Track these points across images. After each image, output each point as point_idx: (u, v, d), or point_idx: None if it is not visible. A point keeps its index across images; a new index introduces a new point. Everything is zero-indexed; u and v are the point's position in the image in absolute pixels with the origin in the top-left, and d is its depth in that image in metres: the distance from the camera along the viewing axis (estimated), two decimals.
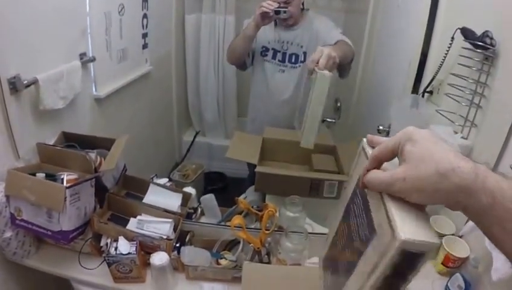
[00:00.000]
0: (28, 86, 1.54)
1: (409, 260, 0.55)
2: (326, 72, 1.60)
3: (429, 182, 0.55)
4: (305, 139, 1.74)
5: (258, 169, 1.80)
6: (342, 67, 2.08)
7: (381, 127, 2.06)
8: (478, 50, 1.47)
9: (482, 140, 1.52)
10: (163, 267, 1.51)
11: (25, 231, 1.56)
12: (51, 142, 1.71)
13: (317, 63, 1.63)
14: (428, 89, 1.89)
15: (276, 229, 1.66)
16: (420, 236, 0.53)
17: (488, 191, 0.54)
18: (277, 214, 1.67)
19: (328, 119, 2.66)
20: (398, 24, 2.36)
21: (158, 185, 1.81)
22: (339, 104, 2.79)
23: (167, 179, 1.94)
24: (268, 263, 1.63)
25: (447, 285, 1.55)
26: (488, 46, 1.42)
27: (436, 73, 1.75)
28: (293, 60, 2.27)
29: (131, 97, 2.56)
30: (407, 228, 0.54)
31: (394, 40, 2.40)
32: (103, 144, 1.74)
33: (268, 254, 1.65)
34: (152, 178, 1.91)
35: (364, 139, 0.72)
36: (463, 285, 1.49)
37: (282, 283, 1.11)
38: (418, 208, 0.59)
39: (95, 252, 1.65)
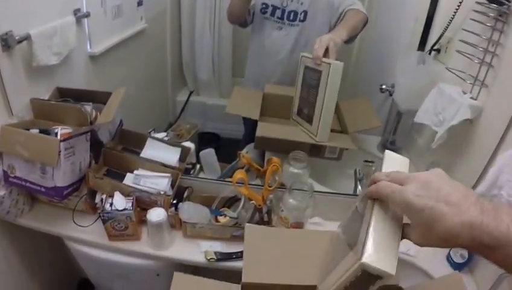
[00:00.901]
0: (20, 41, 1.45)
1: (368, 279, 0.67)
2: (337, 62, 1.56)
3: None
4: (320, 134, 1.68)
5: (258, 134, 1.70)
6: (351, 38, 1.95)
7: (384, 86, 2.00)
8: (492, 5, 1.38)
9: (493, 101, 1.43)
10: (160, 224, 1.44)
11: (18, 188, 1.51)
12: (46, 98, 1.64)
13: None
14: (435, 47, 1.80)
15: (278, 186, 1.58)
16: (381, 265, 0.64)
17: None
18: (281, 169, 1.58)
19: None
20: None
21: (156, 139, 1.73)
22: None
23: (165, 134, 1.87)
24: (269, 222, 1.57)
25: (449, 253, 1.53)
26: (504, 2, 1.33)
27: (445, 29, 1.67)
28: (291, 18, 2.13)
29: (126, 55, 2.47)
30: (374, 255, 0.65)
31: None
32: (99, 98, 1.66)
33: (268, 211, 1.57)
34: (150, 132, 1.83)
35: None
36: (466, 254, 1.47)
37: (287, 247, 1.04)
38: (397, 229, 0.71)
39: (90, 210, 1.60)
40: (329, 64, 1.55)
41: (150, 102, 3.00)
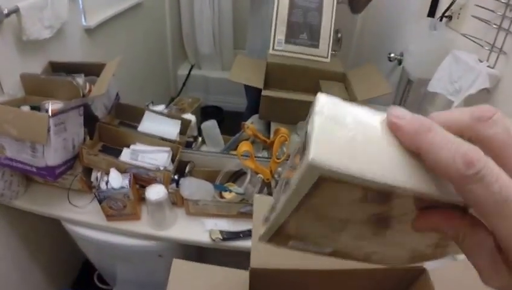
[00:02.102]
0: (8, 15, 1.34)
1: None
2: None
3: None
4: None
5: (264, 93, 1.58)
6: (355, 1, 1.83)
7: (392, 55, 1.90)
8: None
9: None
10: (160, 202, 1.33)
11: (10, 169, 1.41)
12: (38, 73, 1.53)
13: None
14: (447, 14, 1.67)
15: (286, 158, 1.43)
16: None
17: None
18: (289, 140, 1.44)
19: None
20: None
21: (154, 111, 1.60)
22: (339, 35, 2.55)
23: (164, 106, 1.74)
24: None
25: None
26: None
27: None
28: None
29: (124, 29, 2.39)
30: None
31: None
32: (94, 70, 1.54)
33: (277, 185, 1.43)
34: (147, 105, 1.70)
35: None
36: None
37: None
38: None
39: (86, 189, 1.50)
40: None
41: (150, 76, 2.93)
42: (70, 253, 2.01)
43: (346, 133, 0.29)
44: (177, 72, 3.33)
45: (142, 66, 2.71)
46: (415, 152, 0.29)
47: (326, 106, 0.29)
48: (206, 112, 3.00)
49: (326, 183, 0.28)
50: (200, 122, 1.72)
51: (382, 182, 0.28)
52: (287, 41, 1.69)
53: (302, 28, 1.63)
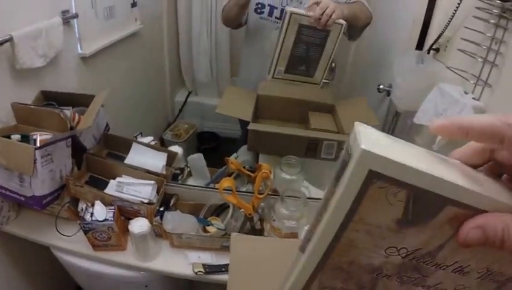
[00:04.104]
0: (1, 43, 1.34)
1: None
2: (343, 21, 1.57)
3: None
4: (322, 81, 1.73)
5: (250, 126, 1.58)
6: (352, 29, 1.84)
7: (381, 86, 1.89)
8: (496, 1, 1.26)
9: (496, 102, 1.30)
10: (143, 236, 1.31)
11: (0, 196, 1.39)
12: (30, 102, 1.52)
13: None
14: (434, 46, 1.67)
15: (270, 193, 1.43)
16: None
17: None
18: (271, 176, 1.44)
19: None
20: None
21: (141, 143, 1.59)
22: (333, 65, 2.55)
23: (152, 138, 1.72)
24: (261, 230, 1.41)
25: None
26: None
27: (445, 28, 1.53)
28: None
29: (121, 56, 2.38)
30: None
31: None
32: (84, 101, 1.54)
33: (261, 220, 1.42)
34: (136, 136, 1.69)
35: None
36: None
37: (279, 260, 0.89)
38: None
39: (74, 217, 1.45)
40: (342, 24, 1.56)
41: (148, 103, 2.94)
42: (63, 280, 1.97)
43: (388, 139, 0.32)
44: (174, 98, 3.35)
45: (140, 93, 2.72)
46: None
47: (365, 130, 0.31)
48: (202, 138, 3.03)
49: (372, 186, 0.29)
50: (196, 147, 1.71)
51: (432, 175, 0.29)
52: (286, 71, 1.71)
53: (302, 61, 1.66)
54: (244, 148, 1.75)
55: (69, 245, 1.43)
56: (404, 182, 0.28)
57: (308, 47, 1.63)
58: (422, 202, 0.30)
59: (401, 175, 0.28)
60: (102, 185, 1.44)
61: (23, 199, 1.31)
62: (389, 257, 0.34)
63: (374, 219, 0.31)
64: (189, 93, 3.38)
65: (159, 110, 3.23)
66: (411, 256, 0.34)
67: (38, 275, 1.87)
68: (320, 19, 1.52)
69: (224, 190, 1.32)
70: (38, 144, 1.26)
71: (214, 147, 3.07)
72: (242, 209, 1.37)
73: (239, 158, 1.72)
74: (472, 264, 0.35)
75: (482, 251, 0.33)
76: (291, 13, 1.56)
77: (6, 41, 1.34)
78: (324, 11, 1.51)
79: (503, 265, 0.36)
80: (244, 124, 1.89)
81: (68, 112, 1.46)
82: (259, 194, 1.39)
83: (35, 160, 1.21)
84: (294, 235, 1.36)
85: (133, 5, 2.44)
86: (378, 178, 0.28)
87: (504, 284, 0.38)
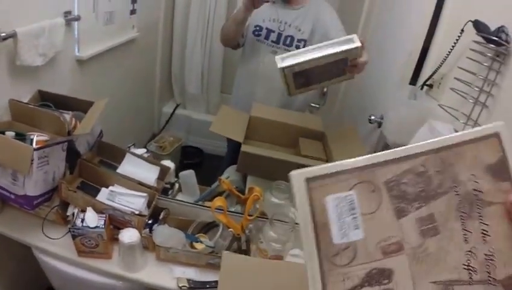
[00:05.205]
0: (5, 38, 1.35)
1: None
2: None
3: None
4: None
5: (243, 149, 1.61)
6: None
7: (372, 117, 1.93)
8: (490, 45, 1.30)
9: None
10: (132, 246, 1.33)
11: None
12: (26, 101, 1.53)
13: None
14: (428, 82, 1.72)
15: (258, 215, 1.46)
16: None
17: None
18: (262, 199, 1.47)
19: (312, 104, 2.47)
20: (399, 12, 2.20)
21: (135, 155, 1.62)
22: (325, 90, 2.60)
23: (145, 150, 1.74)
24: (247, 251, 1.44)
25: None
26: (503, 43, 1.24)
27: (440, 65, 1.58)
28: (287, 42, 2.03)
29: (115, 62, 2.41)
30: None
31: (393, 28, 2.24)
32: (81, 106, 1.56)
33: (247, 241, 1.45)
34: (129, 147, 1.71)
35: None
36: None
37: (264, 278, 0.93)
38: None
39: (61, 221, 1.47)
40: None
41: (135, 111, 2.94)
42: (34, 278, 1.95)
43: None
44: (162, 109, 3.35)
45: (128, 100, 2.72)
46: None
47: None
48: (186, 152, 3.02)
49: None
50: (179, 161, 1.72)
51: None
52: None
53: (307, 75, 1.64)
54: (232, 167, 1.78)
55: (53, 248, 1.42)
56: None
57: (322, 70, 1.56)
58: None
59: None
60: (93, 191, 1.45)
61: (13, 196, 1.31)
62: None
63: None
64: (177, 105, 3.39)
65: (145, 120, 3.23)
66: None
67: (8, 271, 1.86)
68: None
69: (216, 209, 1.36)
70: (35, 144, 1.28)
71: (197, 162, 3.08)
72: (231, 229, 1.40)
73: (228, 178, 1.74)
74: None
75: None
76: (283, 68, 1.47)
77: (10, 36, 1.36)
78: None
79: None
80: (232, 143, 1.92)
81: (67, 116, 1.48)
82: (249, 215, 1.43)
83: (32, 160, 1.22)
84: (279, 257, 1.40)
85: (132, 12, 2.49)
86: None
87: None
